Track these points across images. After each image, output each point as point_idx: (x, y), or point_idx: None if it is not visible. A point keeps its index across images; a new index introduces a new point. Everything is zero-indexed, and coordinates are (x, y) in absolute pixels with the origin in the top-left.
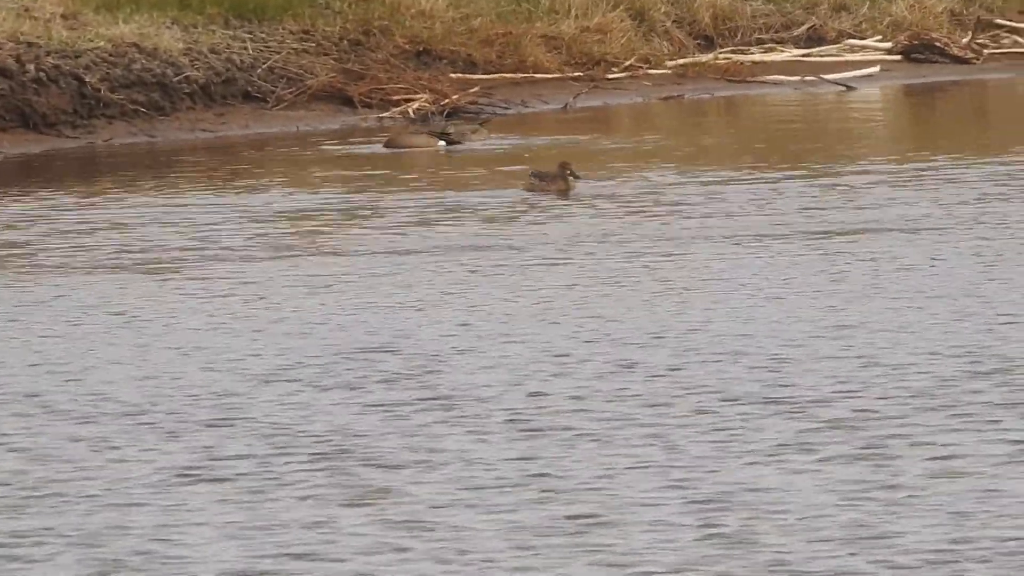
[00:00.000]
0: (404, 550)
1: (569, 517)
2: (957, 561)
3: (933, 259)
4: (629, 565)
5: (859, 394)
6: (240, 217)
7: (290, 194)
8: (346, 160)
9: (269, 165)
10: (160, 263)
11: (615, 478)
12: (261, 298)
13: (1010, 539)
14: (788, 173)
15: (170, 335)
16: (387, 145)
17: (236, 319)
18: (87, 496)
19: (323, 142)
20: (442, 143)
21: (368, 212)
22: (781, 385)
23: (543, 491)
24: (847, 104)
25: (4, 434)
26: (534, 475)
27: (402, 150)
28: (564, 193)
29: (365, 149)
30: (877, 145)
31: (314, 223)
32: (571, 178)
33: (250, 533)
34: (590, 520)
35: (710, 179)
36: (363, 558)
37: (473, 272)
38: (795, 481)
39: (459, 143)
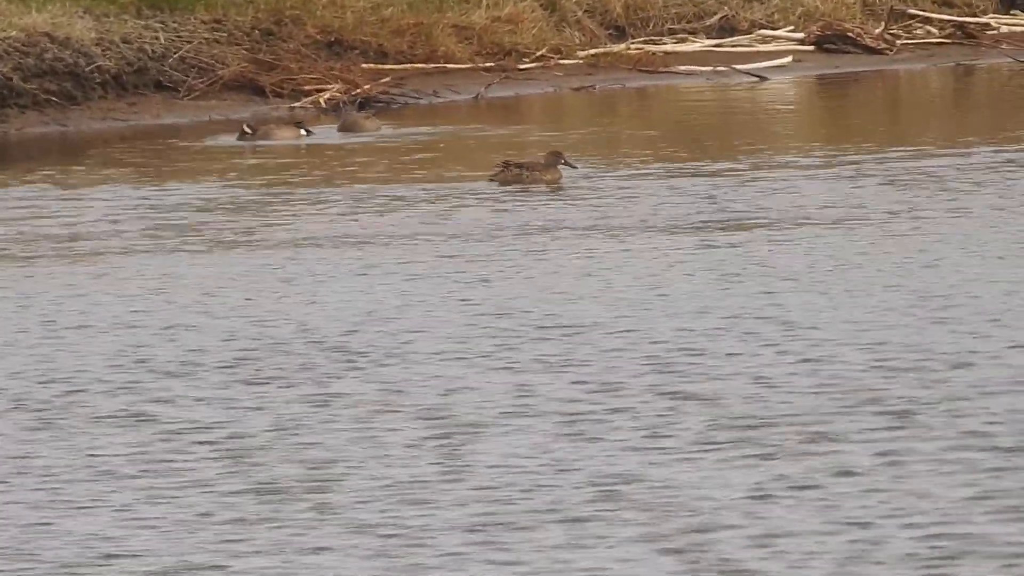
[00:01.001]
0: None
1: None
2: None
3: (837, 252)
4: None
5: (763, 387)
6: (138, 208)
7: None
8: (226, 154)
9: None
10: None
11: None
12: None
13: (911, 538)
14: (694, 166)
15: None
16: (241, 137)
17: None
18: None
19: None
20: (303, 132)
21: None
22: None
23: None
24: (759, 95)
25: None
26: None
27: (267, 142)
28: (555, 182)
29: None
30: (786, 137)
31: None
32: (563, 167)
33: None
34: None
35: (617, 172)
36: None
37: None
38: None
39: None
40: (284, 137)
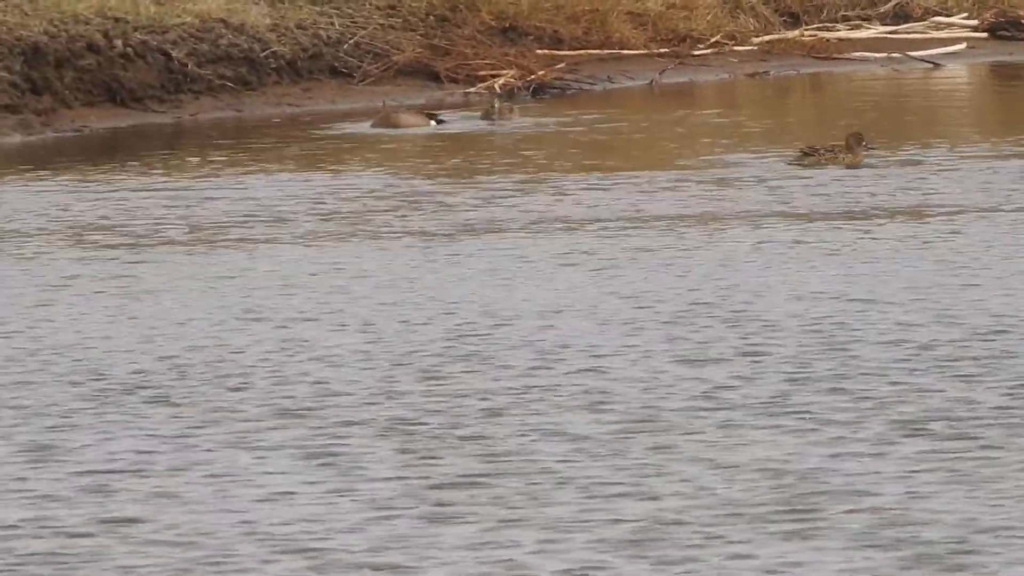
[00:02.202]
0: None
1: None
2: None
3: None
4: None
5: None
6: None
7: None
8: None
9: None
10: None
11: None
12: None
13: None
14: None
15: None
16: (376, 124)
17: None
18: None
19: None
20: (433, 123)
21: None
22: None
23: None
24: (933, 82)
25: None
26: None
27: (394, 130)
28: (855, 165)
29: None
30: (959, 127)
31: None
32: (863, 149)
33: None
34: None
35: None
36: None
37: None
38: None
39: (444, 122)
40: (412, 124)
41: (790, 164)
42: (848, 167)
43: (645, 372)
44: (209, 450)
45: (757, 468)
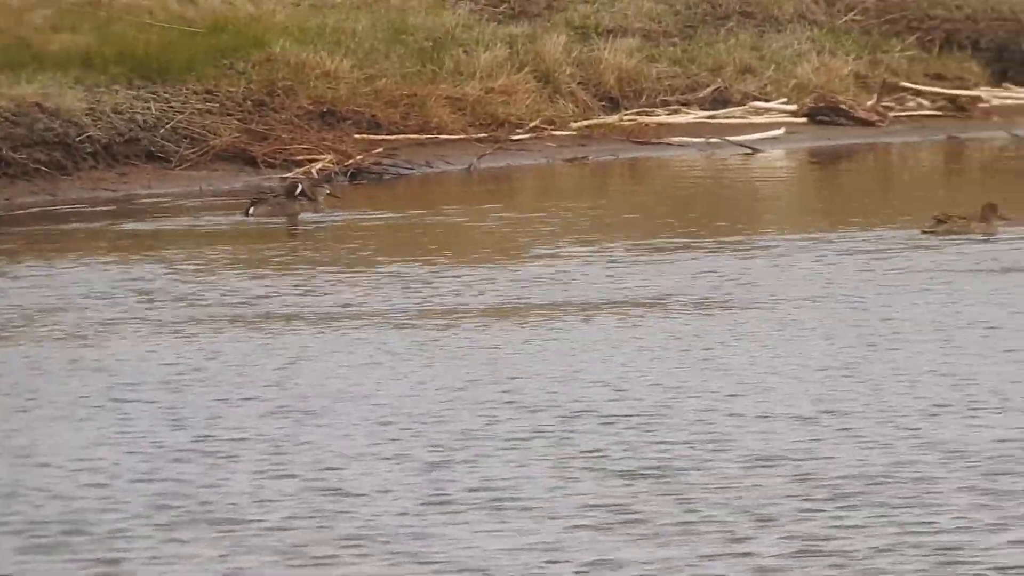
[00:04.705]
0: None
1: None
2: None
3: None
4: None
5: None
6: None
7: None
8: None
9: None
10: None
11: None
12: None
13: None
14: (682, 242)
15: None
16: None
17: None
18: None
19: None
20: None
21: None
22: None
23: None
24: (751, 167)
25: None
26: None
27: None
28: (991, 233)
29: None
30: (775, 214)
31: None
32: (997, 221)
33: None
34: None
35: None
36: None
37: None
38: None
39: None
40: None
41: (923, 232)
42: (984, 235)
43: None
44: None
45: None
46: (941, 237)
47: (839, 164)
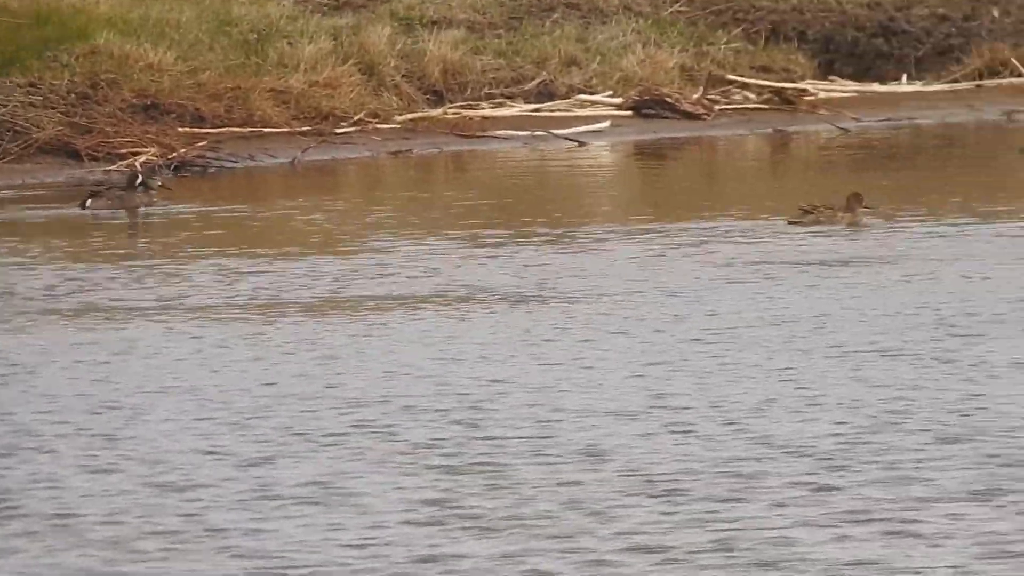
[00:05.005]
0: None
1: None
2: None
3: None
4: None
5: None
6: None
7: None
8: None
9: None
10: None
11: None
12: None
13: None
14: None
15: None
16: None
17: None
18: None
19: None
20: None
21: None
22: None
23: None
24: (577, 161)
25: None
26: None
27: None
28: (856, 224)
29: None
30: (601, 207)
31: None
32: (862, 210)
33: None
34: None
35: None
36: None
37: None
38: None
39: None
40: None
41: (789, 223)
42: (849, 226)
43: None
44: None
45: None
46: (808, 228)
47: (665, 157)
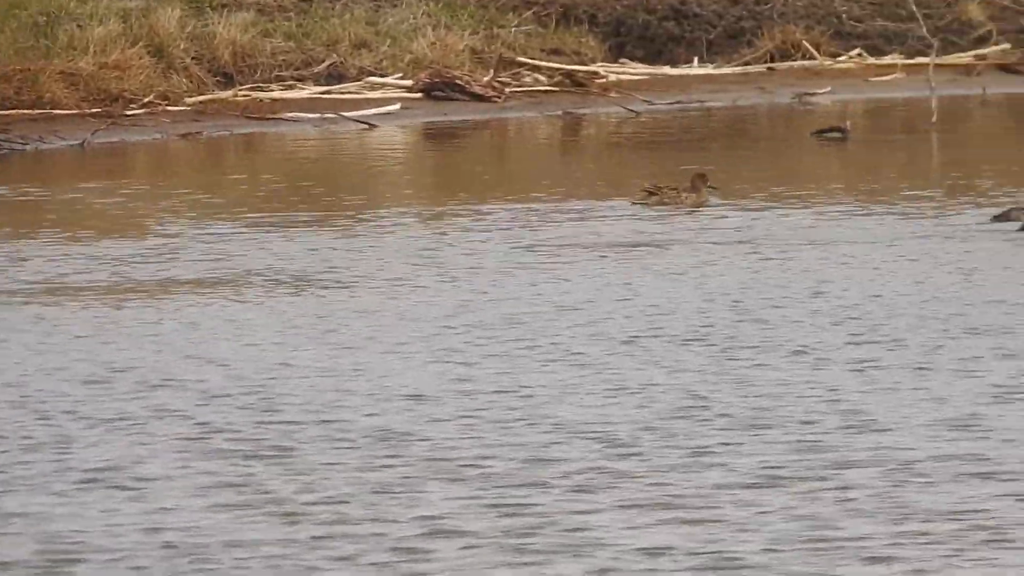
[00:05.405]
0: None
1: None
2: None
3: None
4: None
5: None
6: None
7: None
8: None
9: None
10: None
11: None
12: None
13: None
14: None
15: None
16: None
17: None
18: None
19: None
20: None
21: None
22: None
23: None
24: (367, 143)
25: None
26: None
27: None
28: (701, 204)
29: None
30: (390, 190)
31: None
32: (708, 189)
33: None
34: None
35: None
36: None
37: None
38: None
39: None
40: None
41: (633, 203)
42: (694, 206)
43: None
44: None
45: None
46: (653, 208)
47: (455, 139)
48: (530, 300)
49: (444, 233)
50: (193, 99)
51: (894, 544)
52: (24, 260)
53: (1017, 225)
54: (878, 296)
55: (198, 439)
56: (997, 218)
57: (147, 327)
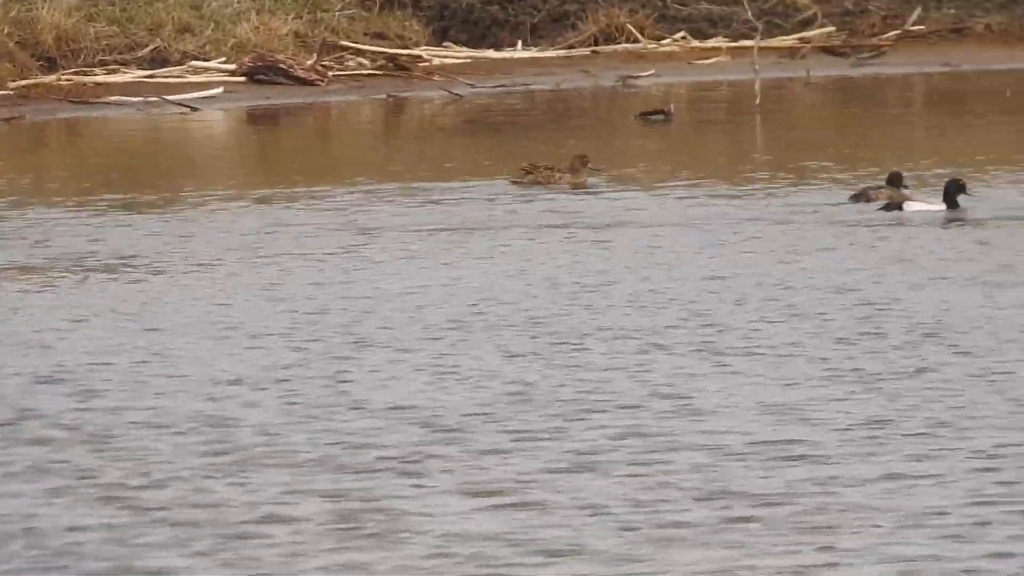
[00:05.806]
0: None
1: None
2: None
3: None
4: None
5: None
6: None
7: None
8: None
9: None
10: None
11: None
12: None
13: None
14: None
15: None
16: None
17: None
18: None
19: None
20: None
21: None
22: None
23: None
24: (189, 127)
25: None
26: None
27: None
28: (580, 186)
29: None
30: (212, 173)
31: None
32: (588, 170)
33: None
34: None
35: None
36: None
37: None
38: None
39: None
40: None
41: (512, 183)
42: (573, 187)
43: None
44: None
45: None
46: (528, 187)
47: (278, 123)
48: (358, 286)
49: (268, 217)
50: (16, 83)
51: (716, 530)
52: None
53: (877, 204)
54: (712, 279)
55: (8, 424)
56: (855, 198)
57: None
